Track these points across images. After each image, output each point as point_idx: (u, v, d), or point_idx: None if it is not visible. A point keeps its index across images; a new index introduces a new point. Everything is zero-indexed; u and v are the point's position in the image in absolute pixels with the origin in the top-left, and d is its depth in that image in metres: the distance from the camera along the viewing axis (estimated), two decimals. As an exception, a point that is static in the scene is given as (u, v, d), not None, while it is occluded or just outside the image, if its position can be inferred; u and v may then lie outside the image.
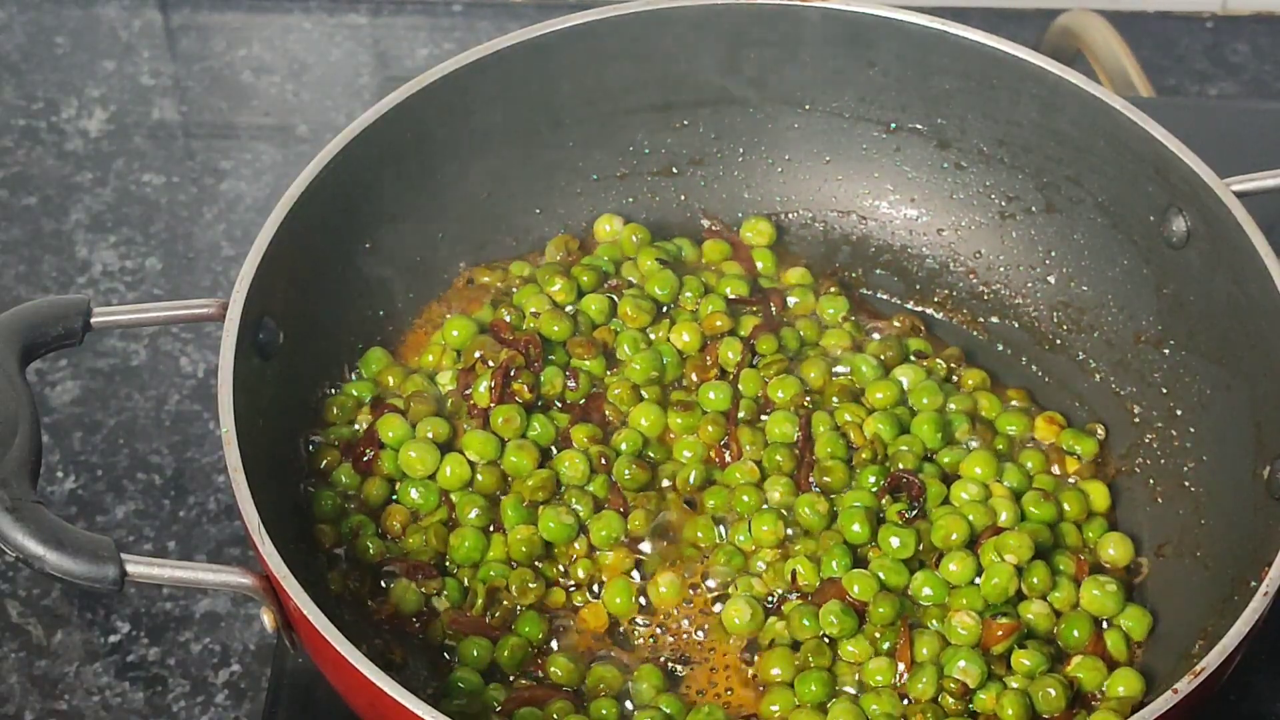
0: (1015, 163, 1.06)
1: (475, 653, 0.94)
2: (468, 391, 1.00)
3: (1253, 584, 0.86)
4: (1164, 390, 1.02)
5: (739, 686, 0.94)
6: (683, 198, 1.11)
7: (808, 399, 1.02)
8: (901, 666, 0.92)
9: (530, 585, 0.95)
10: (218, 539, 1.07)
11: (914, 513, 0.97)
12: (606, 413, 1.01)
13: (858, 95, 1.08)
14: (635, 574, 0.97)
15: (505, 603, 0.95)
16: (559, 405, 1.01)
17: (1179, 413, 1.01)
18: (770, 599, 0.96)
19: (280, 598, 0.85)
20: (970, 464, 1.00)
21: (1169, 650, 0.94)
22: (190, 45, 1.33)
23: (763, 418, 1.02)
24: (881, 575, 0.95)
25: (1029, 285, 1.08)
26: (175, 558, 1.05)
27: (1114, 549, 0.99)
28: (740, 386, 1.02)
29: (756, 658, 0.94)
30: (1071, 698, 0.91)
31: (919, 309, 1.10)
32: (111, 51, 1.33)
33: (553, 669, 0.93)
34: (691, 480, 1.00)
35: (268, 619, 0.86)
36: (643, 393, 1.02)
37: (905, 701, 0.92)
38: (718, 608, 0.96)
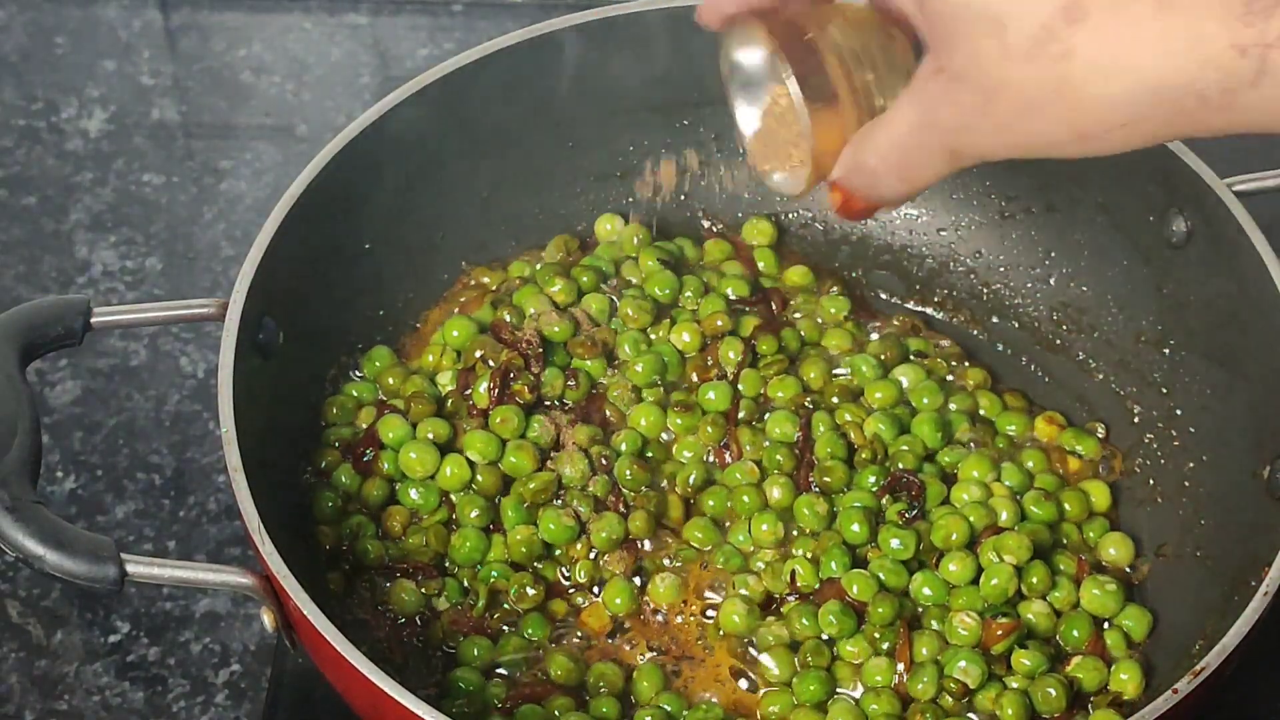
0: (1015, 162, 1.06)
1: (475, 652, 0.94)
2: (468, 392, 1.00)
3: (1253, 584, 0.86)
4: (1164, 390, 1.02)
5: (738, 686, 0.94)
6: (682, 197, 1.11)
7: (808, 399, 1.02)
8: (901, 666, 0.92)
9: (529, 591, 0.95)
10: (218, 539, 1.06)
11: (914, 513, 0.97)
12: (607, 413, 1.01)
13: (858, 95, 1.08)
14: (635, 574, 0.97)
15: (506, 605, 0.95)
16: (559, 406, 1.01)
17: (1179, 413, 1.01)
18: (769, 599, 0.96)
19: (280, 598, 0.85)
20: (970, 464, 1.00)
21: (1169, 650, 0.94)
22: (190, 45, 1.33)
23: (763, 418, 1.02)
24: (881, 576, 0.95)
25: (1029, 285, 1.08)
26: (175, 558, 1.05)
27: (1114, 549, 0.99)
28: (740, 386, 1.02)
29: (755, 657, 0.94)
30: (1071, 698, 0.91)
31: (919, 309, 1.10)
32: (111, 51, 1.33)
33: (553, 668, 0.93)
34: (691, 480, 1.00)
35: (268, 619, 0.86)
36: (643, 393, 1.02)
37: (905, 702, 0.92)
38: (717, 608, 0.96)
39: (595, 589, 0.97)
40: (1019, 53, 0.68)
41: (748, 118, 0.82)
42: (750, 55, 0.81)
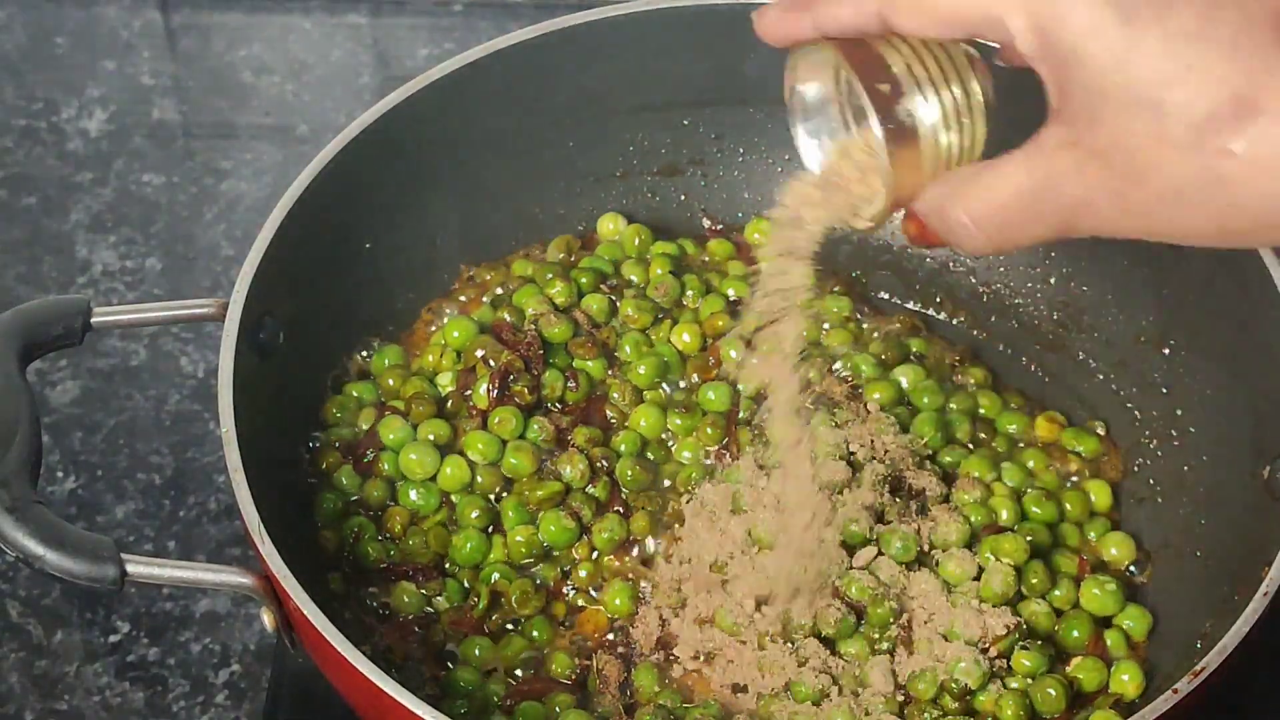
0: (1015, 163, 1.06)
1: (475, 652, 0.94)
2: (468, 393, 1.00)
3: (1253, 584, 0.86)
4: (1164, 390, 1.02)
5: (736, 686, 0.94)
6: (683, 198, 1.11)
7: (808, 400, 1.02)
8: (900, 666, 0.92)
9: (530, 596, 0.95)
10: (218, 539, 1.07)
11: (914, 512, 0.97)
12: (608, 413, 1.01)
13: (858, 95, 1.08)
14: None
15: (507, 607, 0.95)
16: (559, 408, 1.01)
17: (1179, 413, 1.01)
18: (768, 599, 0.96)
19: (280, 598, 0.85)
20: (970, 464, 1.00)
21: (1169, 650, 0.94)
22: (190, 45, 1.33)
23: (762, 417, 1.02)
24: (881, 577, 0.95)
25: (1029, 285, 1.08)
26: (175, 558, 1.05)
27: (1115, 549, 0.99)
28: (740, 387, 1.02)
29: (754, 657, 0.94)
30: (1071, 698, 0.91)
31: (919, 309, 1.10)
32: (111, 51, 1.33)
33: (553, 666, 0.93)
34: (692, 480, 0.99)
35: (268, 619, 0.86)
36: (644, 394, 1.02)
37: (905, 702, 0.92)
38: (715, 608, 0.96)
39: (595, 590, 0.97)
40: (1176, 142, 0.65)
41: (810, 147, 0.80)
42: (821, 81, 0.78)
